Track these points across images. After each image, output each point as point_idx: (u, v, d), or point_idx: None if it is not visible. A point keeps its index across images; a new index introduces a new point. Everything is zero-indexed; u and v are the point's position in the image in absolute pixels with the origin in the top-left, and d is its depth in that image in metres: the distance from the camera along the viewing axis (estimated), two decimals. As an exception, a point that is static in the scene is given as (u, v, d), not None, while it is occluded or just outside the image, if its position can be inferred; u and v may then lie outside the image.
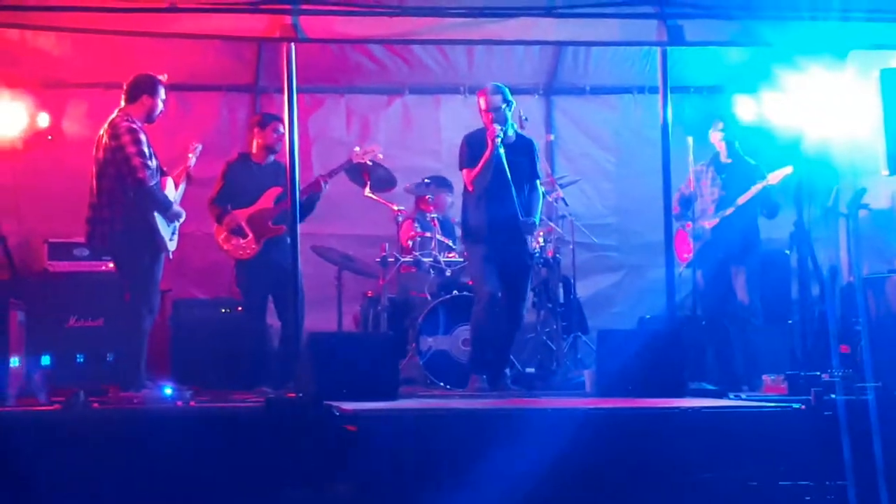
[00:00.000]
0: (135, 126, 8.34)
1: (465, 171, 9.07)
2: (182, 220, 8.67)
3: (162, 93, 8.56)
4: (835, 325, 9.59)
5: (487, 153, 8.85)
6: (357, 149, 9.82)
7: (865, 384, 7.33)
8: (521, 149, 9.10)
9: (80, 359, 9.54)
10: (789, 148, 9.76)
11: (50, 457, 6.34)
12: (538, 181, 9.27)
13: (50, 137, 10.63)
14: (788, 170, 9.70)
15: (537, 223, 9.23)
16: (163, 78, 8.58)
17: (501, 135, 8.85)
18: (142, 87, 8.49)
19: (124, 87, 8.53)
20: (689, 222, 9.92)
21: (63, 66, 10.57)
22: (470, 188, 9.05)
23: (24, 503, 6.31)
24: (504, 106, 8.96)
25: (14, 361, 8.20)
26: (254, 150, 9.73)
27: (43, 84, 10.67)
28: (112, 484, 6.34)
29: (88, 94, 10.76)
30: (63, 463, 6.32)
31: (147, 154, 8.31)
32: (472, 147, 9.03)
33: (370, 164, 9.82)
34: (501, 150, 8.83)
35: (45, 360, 7.07)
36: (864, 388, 7.28)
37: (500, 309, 8.99)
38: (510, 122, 9.02)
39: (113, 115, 8.43)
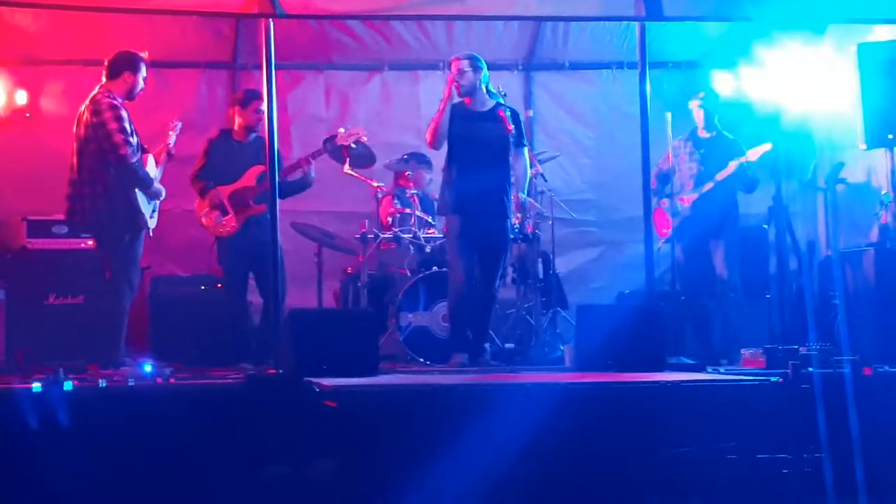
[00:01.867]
0: (116, 103, 8.33)
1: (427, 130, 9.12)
2: (162, 198, 8.68)
3: (143, 70, 8.54)
4: (812, 300, 9.65)
5: (445, 97, 8.91)
6: (341, 130, 9.80)
7: (842, 357, 7.38)
8: (497, 117, 8.99)
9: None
10: (768, 122, 9.80)
11: (28, 434, 6.33)
12: (525, 149, 9.24)
13: (28, 115, 10.61)
14: (768, 146, 9.73)
15: (525, 197, 9.21)
16: (144, 55, 8.56)
17: (463, 83, 8.90)
18: (123, 64, 8.47)
19: (105, 64, 8.50)
20: (666, 198, 9.95)
21: (40, 43, 10.54)
22: (428, 140, 9.07)
23: (1, 481, 6.31)
24: (468, 69, 8.96)
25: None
26: (235, 127, 9.71)
27: (20, 61, 10.65)
28: (91, 461, 6.34)
29: (66, 71, 10.74)
30: (42, 441, 6.31)
31: (128, 131, 8.30)
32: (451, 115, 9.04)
33: (354, 146, 9.81)
34: (458, 99, 8.94)
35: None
36: (841, 362, 7.33)
37: (475, 285, 8.99)
38: (479, 89, 9.01)
39: (94, 92, 8.41)
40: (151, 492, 6.37)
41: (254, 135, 9.62)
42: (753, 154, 9.83)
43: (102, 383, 6.96)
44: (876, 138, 9.23)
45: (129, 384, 7.11)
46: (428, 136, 9.04)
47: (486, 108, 9.05)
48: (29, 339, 9.35)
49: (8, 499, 6.24)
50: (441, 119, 8.90)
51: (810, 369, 6.94)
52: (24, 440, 6.30)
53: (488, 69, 9.12)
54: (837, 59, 9.73)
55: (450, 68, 9.07)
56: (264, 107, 8.99)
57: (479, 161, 8.87)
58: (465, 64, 8.97)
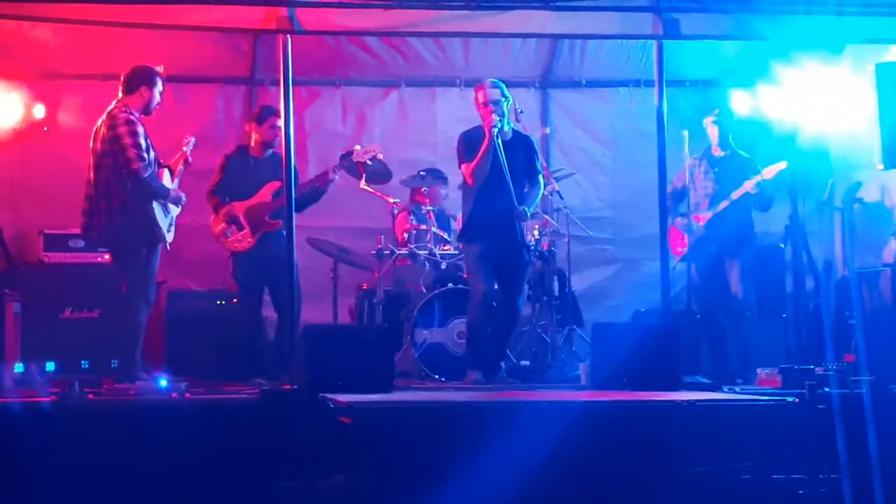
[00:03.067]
0: (132, 117, 8.35)
1: (464, 165, 9.03)
2: (183, 203, 8.68)
3: (160, 84, 8.56)
4: (829, 319, 9.61)
5: (486, 143, 8.80)
6: (358, 147, 9.80)
7: (859, 378, 7.35)
8: (519, 145, 9.07)
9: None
10: (784, 142, 9.76)
11: (45, 448, 6.34)
12: (539, 176, 9.24)
13: (46, 129, 10.64)
14: (783, 165, 9.70)
15: (530, 213, 9.20)
16: (160, 70, 8.58)
17: (499, 125, 8.83)
18: (140, 79, 8.49)
19: (122, 79, 8.53)
20: (679, 217, 9.94)
21: (59, 57, 10.58)
22: (469, 181, 9.00)
23: (18, 495, 6.32)
24: (502, 100, 8.93)
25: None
26: (252, 143, 9.72)
27: (39, 75, 10.69)
28: (106, 475, 6.35)
29: (84, 86, 10.77)
30: (58, 454, 6.32)
31: (143, 146, 8.32)
32: (469, 143, 8.98)
33: (370, 163, 9.82)
34: (499, 142, 8.81)
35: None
36: (858, 382, 7.30)
37: (495, 305, 8.99)
38: (507, 118, 9.00)
39: (111, 107, 8.43)
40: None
41: (270, 151, 9.63)
42: (769, 172, 9.80)
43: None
44: (893, 158, 9.19)
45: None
46: (468, 178, 8.98)
47: (509, 136, 9.04)
48: (44, 353, 9.35)
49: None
50: (484, 160, 8.86)
51: (827, 389, 6.91)
52: (40, 453, 6.31)
53: (506, 87, 9.12)
54: (854, 79, 9.71)
55: (479, 96, 9.01)
56: (280, 122, 9.04)
57: (501, 188, 8.85)
58: (497, 93, 8.94)
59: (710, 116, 10.08)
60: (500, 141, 8.81)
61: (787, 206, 9.52)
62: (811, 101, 9.63)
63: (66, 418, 6.56)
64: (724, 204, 9.88)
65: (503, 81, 9.11)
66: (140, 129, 8.35)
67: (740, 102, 10.36)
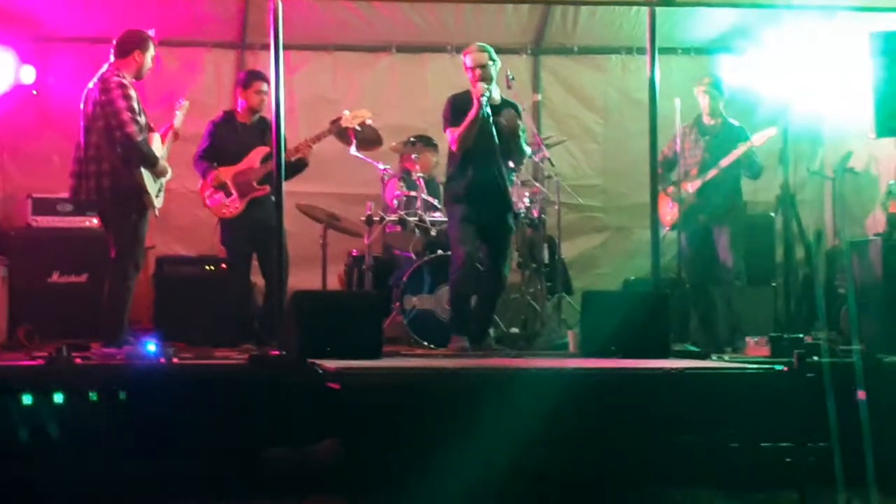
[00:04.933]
0: (125, 81, 8.31)
1: (449, 130, 8.96)
2: (169, 176, 8.64)
3: (152, 49, 8.52)
4: (819, 289, 9.62)
5: (473, 111, 8.73)
6: (346, 113, 9.76)
7: (848, 347, 7.35)
8: (506, 111, 9.03)
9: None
10: (775, 110, 9.75)
11: (31, 412, 6.33)
12: (524, 143, 9.19)
13: (35, 92, 10.57)
14: (773, 131, 9.66)
15: (512, 180, 9.15)
16: (153, 34, 8.53)
17: (487, 93, 8.77)
18: (133, 43, 8.44)
19: (114, 43, 8.47)
20: (671, 185, 9.91)
21: (48, 21, 10.52)
22: (454, 147, 8.94)
23: (3, 463, 6.31)
24: (490, 64, 8.87)
25: None
26: (238, 109, 9.69)
27: (28, 38, 10.60)
28: (93, 440, 6.34)
29: (74, 49, 10.72)
30: (44, 418, 6.31)
31: (136, 110, 8.28)
32: (457, 108, 8.92)
33: (359, 129, 9.78)
34: (488, 110, 8.77)
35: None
36: (847, 351, 7.31)
37: (477, 269, 8.94)
38: (494, 82, 8.94)
39: (103, 70, 8.38)
40: (153, 471, 6.37)
41: (257, 116, 9.61)
42: (759, 139, 9.75)
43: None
44: (887, 127, 9.18)
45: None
46: (454, 144, 8.88)
47: (498, 102, 8.98)
48: (32, 317, 9.34)
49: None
50: (471, 129, 8.81)
51: (815, 358, 6.91)
52: (26, 417, 6.31)
53: (497, 53, 9.06)
54: (846, 47, 9.69)
55: (466, 60, 8.94)
56: (266, 87, 9.08)
57: (488, 152, 8.80)
58: (485, 57, 8.87)
59: (701, 86, 10.03)
60: (488, 109, 8.77)
61: (777, 175, 9.52)
62: (802, 69, 9.62)
63: (54, 383, 6.54)
64: (713, 172, 9.85)
65: (494, 47, 9.05)
66: (133, 93, 8.31)
67: (732, 70, 10.34)
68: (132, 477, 6.30)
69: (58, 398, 6.42)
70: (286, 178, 8.44)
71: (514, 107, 9.10)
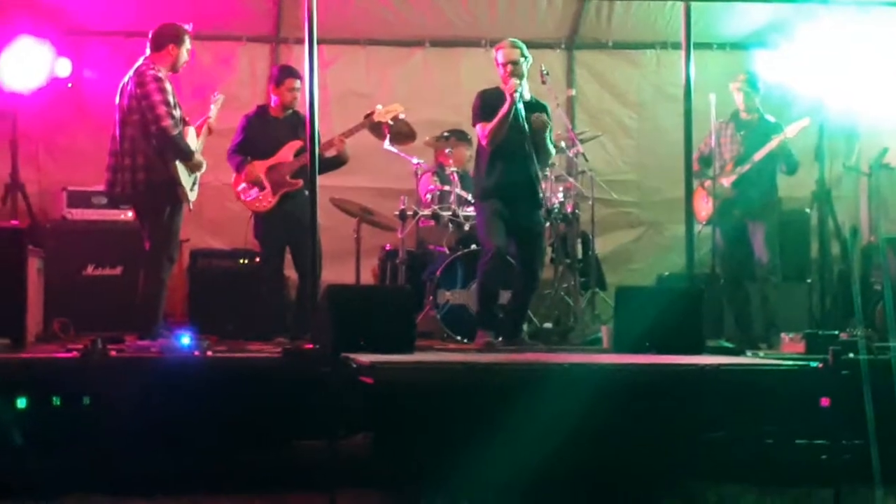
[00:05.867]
0: (160, 75, 8.32)
1: (479, 125, 8.91)
2: (203, 170, 8.67)
3: (188, 42, 8.54)
4: (855, 285, 9.57)
5: (505, 108, 8.69)
6: (379, 107, 9.76)
7: (884, 344, 7.30)
8: (535, 111, 8.98)
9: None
10: (811, 105, 9.70)
11: (67, 404, 6.35)
12: (549, 142, 9.12)
13: (70, 85, 10.61)
14: (806, 122, 9.62)
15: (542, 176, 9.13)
16: (188, 28, 8.55)
17: (520, 90, 8.74)
18: (168, 37, 8.46)
19: (150, 36, 8.49)
20: (709, 180, 9.86)
21: (84, 14, 10.56)
22: (484, 143, 8.91)
23: (39, 451, 6.33)
24: (522, 60, 8.83)
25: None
26: (271, 104, 9.70)
27: (64, 31, 10.64)
28: (127, 433, 6.36)
29: (109, 42, 10.78)
30: (79, 410, 6.33)
31: (171, 103, 8.30)
32: (487, 102, 8.88)
33: (392, 123, 9.79)
34: (520, 105, 8.74)
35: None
36: (883, 348, 7.25)
37: (508, 265, 8.94)
38: (526, 78, 8.90)
39: (138, 63, 8.41)
40: (186, 464, 6.38)
41: (291, 110, 9.62)
42: (792, 130, 9.70)
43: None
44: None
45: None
46: (485, 140, 8.86)
47: (528, 98, 8.95)
48: (67, 310, 9.38)
49: (44, 469, 6.27)
50: (502, 125, 8.76)
51: (851, 355, 6.86)
52: (62, 409, 6.33)
53: (529, 48, 9.03)
54: (881, 42, 9.65)
55: (498, 56, 8.90)
56: (298, 85, 9.12)
57: (518, 148, 8.75)
58: (517, 53, 8.83)
59: (736, 82, 9.98)
60: (520, 105, 8.73)
61: (813, 171, 9.48)
62: (838, 64, 9.57)
63: (89, 375, 6.57)
64: (748, 166, 9.80)
65: (528, 42, 9.03)
66: (168, 87, 8.33)
67: (767, 66, 10.29)
68: (165, 470, 6.31)
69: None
70: (322, 173, 8.45)
71: (544, 107, 9.07)
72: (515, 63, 8.80)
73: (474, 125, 9.01)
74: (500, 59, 8.86)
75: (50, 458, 6.28)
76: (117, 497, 6.15)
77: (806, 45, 9.86)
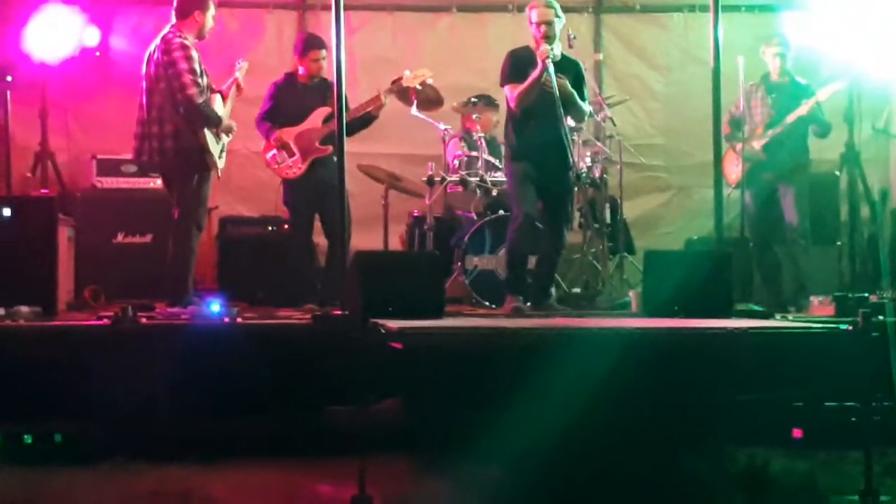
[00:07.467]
0: (187, 42, 8.33)
1: (508, 86, 8.86)
2: (233, 133, 8.69)
3: (213, 9, 8.54)
4: (884, 248, 9.53)
5: (537, 72, 8.63)
6: (407, 72, 9.73)
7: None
8: (568, 70, 8.94)
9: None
10: (841, 67, 9.64)
11: (97, 371, 6.40)
12: (585, 103, 9.10)
13: (98, 53, 10.64)
14: (838, 85, 9.55)
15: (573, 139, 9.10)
16: (213, -6, 8.57)
17: (551, 55, 8.69)
18: (193, 4, 8.46)
19: (175, 4, 8.49)
20: (740, 143, 9.81)
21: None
22: (513, 105, 8.90)
23: (71, 417, 6.39)
24: (556, 21, 8.76)
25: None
26: (299, 71, 9.70)
27: (91, 0, 10.66)
28: (158, 399, 6.40)
29: (137, 10, 10.81)
30: (110, 378, 6.38)
31: (198, 71, 8.32)
32: (516, 64, 8.83)
33: (419, 88, 9.77)
34: (551, 69, 8.69)
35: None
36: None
37: (536, 229, 8.90)
38: (557, 39, 8.86)
39: (164, 31, 8.42)
40: (216, 430, 6.42)
41: (318, 78, 9.61)
42: (824, 93, 9.64)
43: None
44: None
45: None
46: (514, 102, 8.81)
47: (559, 58, 8.90)
48: (97, 278, 9.43)
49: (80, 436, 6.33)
50: (532, 89, 8.70)
51: (881, 317, 6.84)
52: (93, 376, 6.38)
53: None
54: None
55: (531, 15, 8.79)
56: (323, 55, 9.13)
57: (548, 110, 8.71)
58: (551, 13, 8.74)
59: (769, 46, 9.91)
60: (551, 69, 8.68)
61: (842, 133, 9.43)
62: (868, 26, 9.51)
63: (119, 343, 6.60)
64: (779, 129, 9.75)
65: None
66: (194, 55, 8.34)
67: (796, 28, 10.22)
68: (196, 434, 6.35)
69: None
70: (354, 133, 8.42)
71: (576, 64, 9.03)
72: (549, 23, 8.72)
73: (502, 86, 8.96)
74: (535, 18, 8.77)
75: (85, 423, 6.35)
76: (152, 463, 6.20)
77: (835, 6, 9.80)
